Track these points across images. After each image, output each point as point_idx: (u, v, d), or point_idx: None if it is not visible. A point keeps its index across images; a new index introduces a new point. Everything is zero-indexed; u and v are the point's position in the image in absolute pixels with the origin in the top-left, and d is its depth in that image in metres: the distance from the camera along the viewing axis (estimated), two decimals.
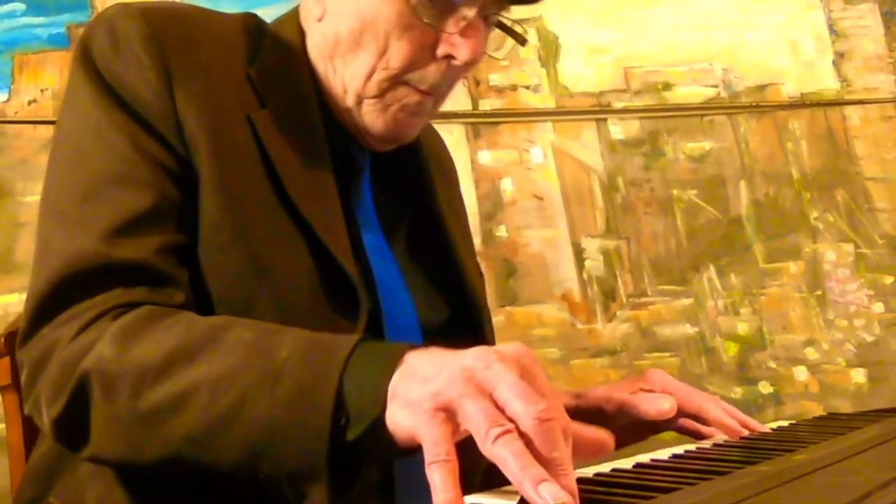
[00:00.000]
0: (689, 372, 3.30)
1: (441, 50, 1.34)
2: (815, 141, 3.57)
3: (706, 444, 1.34)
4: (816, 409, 3.31)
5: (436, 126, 1.73)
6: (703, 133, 3.49)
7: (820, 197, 3.53)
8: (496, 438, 0.93)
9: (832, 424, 1.53)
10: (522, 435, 0.94)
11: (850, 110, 3.62)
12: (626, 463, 1.18)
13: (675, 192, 3.43)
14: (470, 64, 1.34)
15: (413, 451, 1.03)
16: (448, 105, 2.54)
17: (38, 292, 1.23)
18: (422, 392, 1.00)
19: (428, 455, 0.96)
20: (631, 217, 3.38)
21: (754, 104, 3.54)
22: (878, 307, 3.49)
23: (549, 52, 3.41)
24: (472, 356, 1.02)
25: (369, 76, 1.36)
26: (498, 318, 3.16)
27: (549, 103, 3.38)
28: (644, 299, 3.35)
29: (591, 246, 3.33)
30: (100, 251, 1.22)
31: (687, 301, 3.37)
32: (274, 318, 1.23)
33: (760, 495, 0.87)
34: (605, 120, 3.42)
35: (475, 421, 0.95)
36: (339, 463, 1.06)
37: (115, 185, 1.25)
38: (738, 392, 3.33)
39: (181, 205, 1.28)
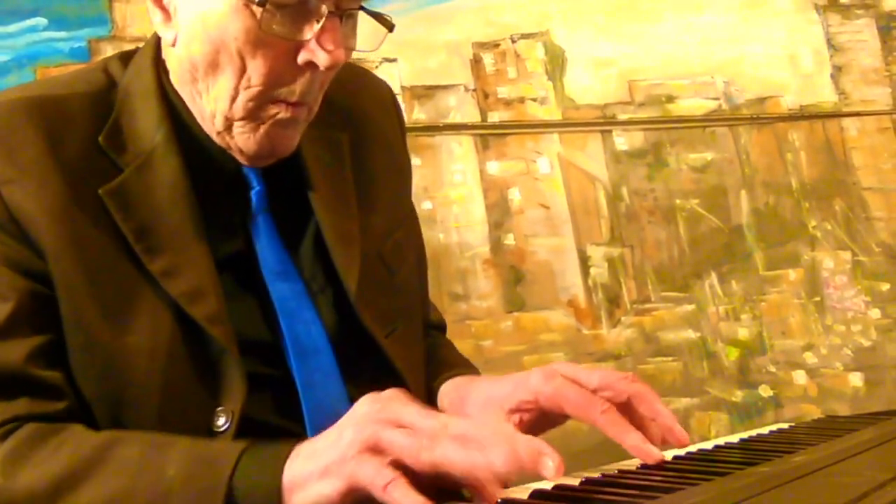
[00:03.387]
0: (692, 376, 3.29)
1: (302, 58, 1.25)
2: (813, 152, 3.57)
3: (707, 445, 1.34)
4: (815, 412, 3.31)
5: (445, 138, 1.70)
6: (705, 144, 3.48)
7: (818, 206, 3.53)
8: (432, 443, 0.97)
9: (830, 427, 1.52)
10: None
11: (847, 122, 3.61)
12: (631, 464, 1.18)
13: (677, 201, 3.42)
14: (334, 68, 1.26)
15: None
16: (457, 117, 2.53)
17: None
18: (334, 453, 1.01)
19: (376, 483, 0.96)
20: (635, 225, 3.38)
21: (755, 116, 3.54)
22: (875, 313, 3.48)
23: (556, 65, 3.40)
24: (363, 404, 1.05)
25: (234, 98, 1.27)
26: (505, 324, 3.16)
27: (556, 115, 3.38)
28: (647, 305, 3.34)
29: (597, 254, 3.32)
30: None
31: (689, 307, 3.36)
32: (147, 410, 1.22)
33: (760, 495, 0.87)
34: (610, 131, 3.42)
35: (403, 443, 0.98)
36: None
37: None
38: (738, 395, 3.33)
39: (46, 304, 1.23)
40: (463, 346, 2.38)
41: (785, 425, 1.58)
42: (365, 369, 1.37)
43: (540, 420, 1.30)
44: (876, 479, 0.88)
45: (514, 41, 3.37)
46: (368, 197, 1.49)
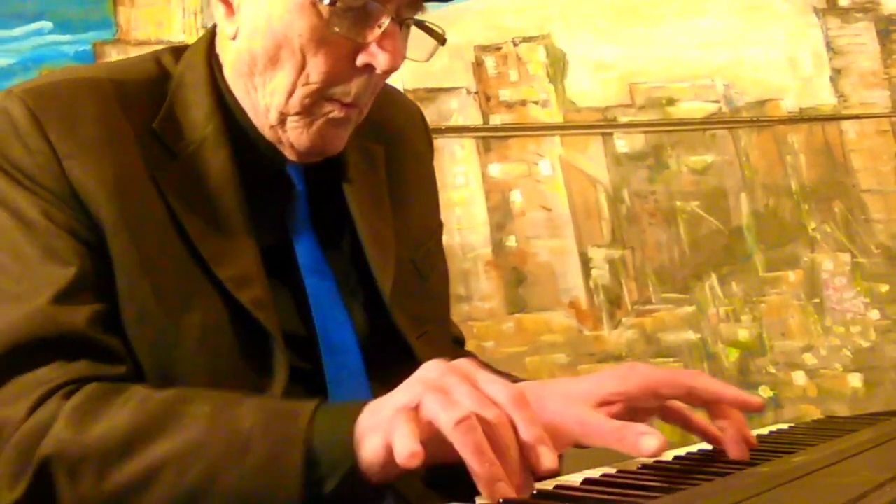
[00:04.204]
0: None
1: (360, 60, 1.28)
2: (813, 154, 3.57)
3: (707, 445, 1.34)
4: (814, 413, 3.30)
5: (447, 140, 1.71)
6: (706, 146, 3.48)
7: (818, 208, 3.53)
8: (455, 424, 0.96)
9: (830, 427, 1.52)
10: (483, 422, 0.97)
11: (846, 125, 3.61)
12: (632, 464, 1.18)
13: (678, 203, 3.42)
14: (390, 72, 1.30)
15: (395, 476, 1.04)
16: (459, 119, 2.53)
17: None
18: (385, 412, 1.03)
19: (391, 431, 0.99)
20: (636, 227, 3.38)
21: (754, 119, 3.54)
22: (874, 314, 3.48)
23: (557, 68, 3.41)
24: (425, 369, 1.06)
25: (290, 93, 1.30)
26: (507, 325, 3.16)
27: (557, 118, 3.38)
28: (648, 307, 3.34)
29: (598, 255, 3.32)
30: (33, 324, 1.19)
31: (689, 308, 3.36)
32: (197, 380, 1.23)
33: (760, 496, 0.87)
34: (611, 134, 3.42)
35: (433, 408, 0.99)
36: None
37: (43, 259, 1.23)
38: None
39: (103, 274, 1.24)
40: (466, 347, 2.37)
41: (784, 426, 1.58)
42: (394, 370, 1.38)
43: (627, 413, 1.29)
44: (875, 480, 0.88)
45: (515, 44, 3.37)
46: (402, 207, 1.52)
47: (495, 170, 3.27)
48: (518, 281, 3.23)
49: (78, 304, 1.21)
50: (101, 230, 1.25)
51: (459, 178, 3.15)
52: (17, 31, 2.89)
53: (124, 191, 1.26)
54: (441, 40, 1.38)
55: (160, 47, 1.47)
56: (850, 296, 3.49)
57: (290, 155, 1.37)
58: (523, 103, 3.35)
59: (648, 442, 1.05)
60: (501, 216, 3.25)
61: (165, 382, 1.23)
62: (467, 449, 0.96)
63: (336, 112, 1.32)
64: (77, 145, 1.26)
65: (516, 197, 3.28)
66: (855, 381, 3.41)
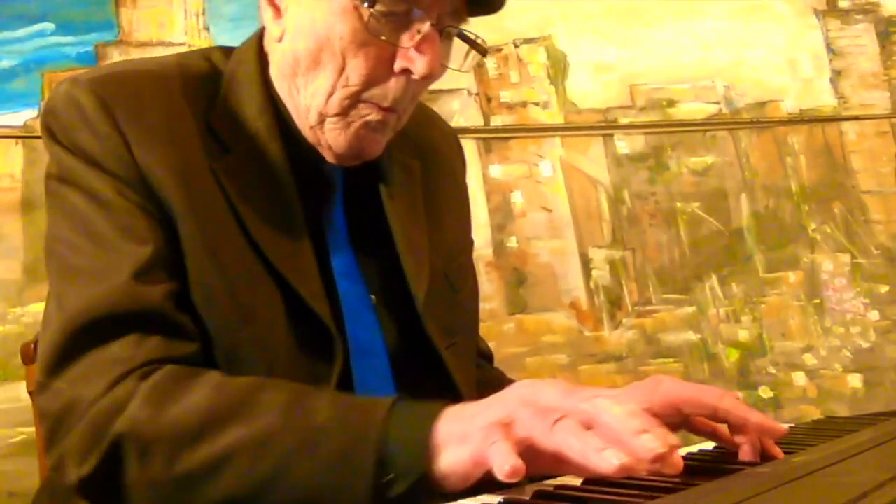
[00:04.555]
0: (692, 377, 3.29)
1: (398, 65, 1.29)
2: (813, 155, 3.57)
3: (707, 445, 1.34)
4: (814, 413, 3.31)
5: None
6: (706, 148, 3.48)
7: (818, 209, 3.53)
8: (553, 424, 0.95)
9: (830, 427, 1.52)
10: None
11: (846, 126, 3.61)
12: None
13: (678, 204, 3.42)
14: (428, 78, 1.30)
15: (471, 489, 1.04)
16: (460, 121, 2.52)
17: (52, 343, 1.21)
18: (474, 423, 1.02)
19: (486, 445, 0.98)
20: (636, 228, 3.38)
21: (755, 120, 3.54)
22: (874, 315, 3.48)
23: (558, 70, 3.41)
24: (520, 386, 1.06)
25: (330, 94, 1.31)
26: (508, 326, 3.16)
27: (558, 119, 3.38)
28: (649, 307, 3.34)
29: (598, 256, 3.33)
30: (111, 300, 1.20)
31: (690, 309, 3.37)
32: (258, 363, 1.25)
33: (761, 496, 0.87)
34: (612, 135, 3.42)
35: (529, 422, 0.98)
36: None
37: (120, 237, 1.24)
38: (738, 397, 3.32)
39: (174, 254, 1.26)
40: None
41: (785, 426, 1.58)
42: (422, 377, 1.39)
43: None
44: (875, 480, 0.87)
45: (516, 46, 3.38)
46: (436, 221, 1.53)
47: (496, 171, 3.27)
48: (519, 282, 3.23)
49: (154, 282, 1.23)
50: (169, 213, 1.26)
51: None
52: (20, 33, 2.89)
53: (189, 179, 1.28)
54: (483, 52, 1.39)
55: (162, 48, 1.48)
56: (849, 296, 3.49)
57: (328, 157, 1.37)
58: (524, 105, 3.36)
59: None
60: (502, 217, 3.25)
61: (231, 365, 1.25)
62: (568, 441, 0.96)
63: (373, 115, 1.33)
64: (144, 132, 1.28)
65: (517, 198, 3.28)
66: (855, 381, 3.42)
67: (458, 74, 1.39)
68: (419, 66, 1.28)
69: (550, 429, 0.97)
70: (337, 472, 1.06)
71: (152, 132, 1.29)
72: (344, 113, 1.32)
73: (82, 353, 1.19)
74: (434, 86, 1.38)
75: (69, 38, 2.92)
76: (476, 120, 3.27)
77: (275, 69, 1.39)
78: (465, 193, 1.70)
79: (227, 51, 1.45)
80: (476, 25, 1.36)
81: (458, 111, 3.23)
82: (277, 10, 1.35)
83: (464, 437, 1.02)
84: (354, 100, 1.31)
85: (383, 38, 1.28)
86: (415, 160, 1.53)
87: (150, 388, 1.15)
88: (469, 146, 3.22)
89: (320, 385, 1.26)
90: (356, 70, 1.29)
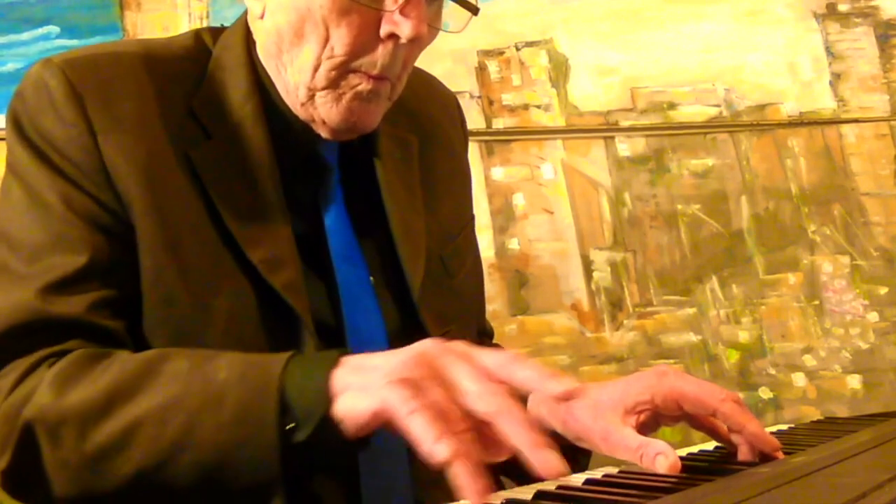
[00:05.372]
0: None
1: (384, 30, 1.25)
2: (812, 158, 3.56)
3: (708, 446, 1.34)
4: (814, 414, 3.30)
5: None
6: (706, 150, 3.48)
7: (817, 211, 3.52)
8: (446, 437, 0.93)
9: (829, 428, 1.52)
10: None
11: (846, 128, 3.61)
12: (633, 465, 1.18)
13: (679, 206, 3.42)
14: (416, 41, 1.26)
15: (368, 438, 1.04)
16: None
17: None
18: (377, 375, 1.01)
19: (401, 409, 0.96)
20: (637, 230, 3.38)
21: (755, 123, 3.54)
22: (873, 316, 3.48)
23: (560, 73, 3.41)
24: (425, 344, 1.04)
25: (316, 68, 1.28)
26: (510, 327, 3.16)
27: (560, 122, 3.38)
28: (650, 309, 3.34)
29: (599, 258, 3.32)
30: (34, 308, 1.18)
31: (690, 310, 3.36)
32: None
33: (761, 496, 0.87)
34: (613, 138, 3.42)
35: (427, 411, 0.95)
36: (294, 468, 1.06)
37: (53, 246, 1.22)
38: (739, 398, 3.32)
39: (118, 261, 1.23)
40: None
41: (785, 426, 1.58)
42: None
43: (653, 421, 1.30)
44: (874, 480, 0.87)
45: (518, 49, 3.38)
46: (433, 200, 1.50)
47: (498, 173, 3.27)
48: (521, 283, 3.23)
49: (80, 292, 1.20)
50: (127, 210, 1.24)
51: None
52: (25, 36, 2.89)
53: (156, 171, 1.25)
54: (474, 10, 1.35)
55: None
56: (849, 298, 3.49)
57: (323, 133, 1.35)
58: (526, 107, 3.35)
59: (661, 462, 1.11)
60: (504, 219, 3.25)
61: None
62: (416, 427, 0.95)
63: (364, 85, 1.30)
64: (112, 121, 1.25)
65: (519, 200, 3.28)
66: (854, 382, 3.41)
67: (460, 78, 1.38)
68: (405, 28, 1.24)
69: (409, 413, 0.95)
70: (242, 425, 1.06)
71: (121, 121, 1.26)
72: (333, 85, 1.29)
73: (4, 360, 1.19)
74: None
75: (74, 42, 2.92)
76: (478, 123, 3.27)
77: (261, 50, 1.36)
78: (465, 168, 1.67)
79: (217, 31, 1.43)
80: (475, 28, 1.35)
81: None
82: None
83: (364, 388, 1.01)
84: (342, 70, 1.28)
85: (365, 3, 1.24)
86: (412, 135, 1.50)
87: (55, 373, 1.14)
88: (471, 148, 3.21)
89: None
90: (340, 39, 1.26)
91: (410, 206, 1.46)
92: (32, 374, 1.16)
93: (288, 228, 1.31)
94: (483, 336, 1.70)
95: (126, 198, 1.24)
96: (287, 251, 1.30)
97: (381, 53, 1.28)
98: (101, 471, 1.11)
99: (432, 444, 0.92)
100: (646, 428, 1.29)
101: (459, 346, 1.04)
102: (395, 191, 1.44)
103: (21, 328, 1.19)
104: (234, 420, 1.06)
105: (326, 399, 1.03)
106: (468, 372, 0.99)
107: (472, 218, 1.66)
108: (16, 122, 1.29)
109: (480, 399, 0.96)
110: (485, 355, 1.01)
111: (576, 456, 1.32)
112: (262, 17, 1.32)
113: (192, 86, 1.34)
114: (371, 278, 1.39)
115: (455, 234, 1.55)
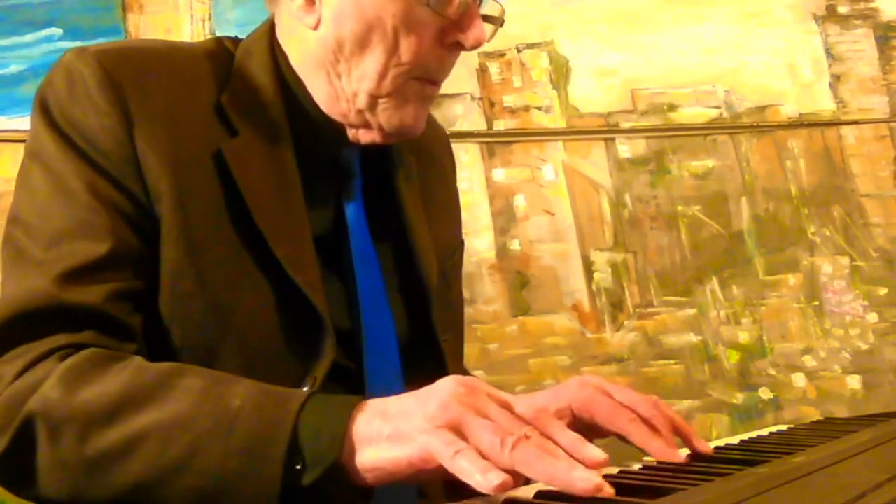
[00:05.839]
0: (693, 378, 3.29)
1: (450, 38, 1.30)
2: (812, 159, 3.57)
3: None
4: (814, 414, 3.30)
5: (452, 145, 1.71)
6: (707, 152, 3.48)
7: (817, 212, 3.53)
8: (514, 446, 0.93)
9: (829, 428, 1.52)
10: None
11: (845, 130, 3.61)
12: (633, 465, 1.18)
13: (679, 207, 3.42)
14: (477, 47, 1.32)
15: (369, 490, 1.03)
16: (464, 125, 2.51)
17: None
18: (414, 420, 1.00)
19: (447, 452, 0.95)
20: (638, 231, 3.38)
21: (755, 124, 3.54)
22: (873, 317, 3.48)
23: (560, 74, 3.41)
24: (448, 383, 1.03)
25: (383, 75, 1.31)
26: (511, 328, 3.16)
27: (560, 123, 3.38)
28: (650, 309, 3.34)
29: (600, 259, 3.33)
30: (50, 294, 1.17)
31: (691, 311, 3.37)
32: (238, 363, 1.21)
33: (761, 496, 0.87)
34: (614, 139, 3.42)
35: (485, 436, 0.95)
36: None
37: (74, 233, 1.20)
38: (739, 398, 3.33)
39: (140, 252, 1.23)
40: (469, 349, 2.38)
41: (784, 427, 1.58)
42: (423, 370, 1.37)
43: (575, 429, 1.31)
44: (873, 480, 0.87)
45: (519, 51, 3.38)
46: (432, 216, 1.52)
47: (499, 174, 3.27)
48: (522, 284, 3.23)
49: (99, 281, 1.19)
50: (154, 203, 1.23)
51: (464, 182, 3.16)
52: (28, 38, 2.89)
53: (185, 165, 1.25)
54: (501, 23, 1.39)
55: None
56: (848, 299, 3.49)
57: (372, 138, 1.37)
58: (527, 109, 3.36)
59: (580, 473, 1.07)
60: (505, 220, 3.25)
61: (206, 359, 1.22)
62: (534, 463, 0.94)
63: (425, 89, 1.35)
64: (146, 114, 1.25)
65: (520, 201, 3.28)
66: (854, 382, 3.41)
67: (461, 80, 1.40)
68: (470, 37, 1.30)
69: (511, 448, 0.95)
70: (248, 457, 1.04)
71: (155, 114, 1.26)
72: (397, 92, 1.32)
73: (15, 343, 1.17)
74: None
75: (77, 44, 2.91)
76: (479, 124, 3.27)
77: (301, 59, 1.37)
78: (455, 194, 1.70)
79: (236, 41, 1.44)
80: None
81: (462, 115, 3.24)
82: (310, 0, 1.34)
83: (399, 436, 1.00)
84: (406, 77, 1.32)
85: (437, 11, 1.28)
86: (411, 156, 1.52)
87: (67, 369, 1.12)
88: (472, 150, 3.22)
89: (307, 377, 1.25)
90: (410, 48, 1.29)
91: (422, 217, 1.48)
92: (41, 364, 1.15)
93: (308, 230, 1.31)
94: None
95: (154, 190, 1.23)
96: (307, 252, 1.30)
97: (444, 61, 1.34)
98: (97, 477, 1.09)
99: (482, 475, 0.92)
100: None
101: (482, 384, 1.04)
102: (411, 201, 1.47)
103: (33, 314, 1.17)
104: (242, 450, 1.04)
105: (340, 445, 1.02)
106: (499, 411, 0.99)
107: (463, 243, 1.68)
108: (44, 109, 1.28)
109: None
110: (494, 410, 1.02)
111: None
112: (315, 27, 1.34)
113: (219, 84, 1.34)
114: (384, 283, 1.40)
115: (452, 252, 1.58)
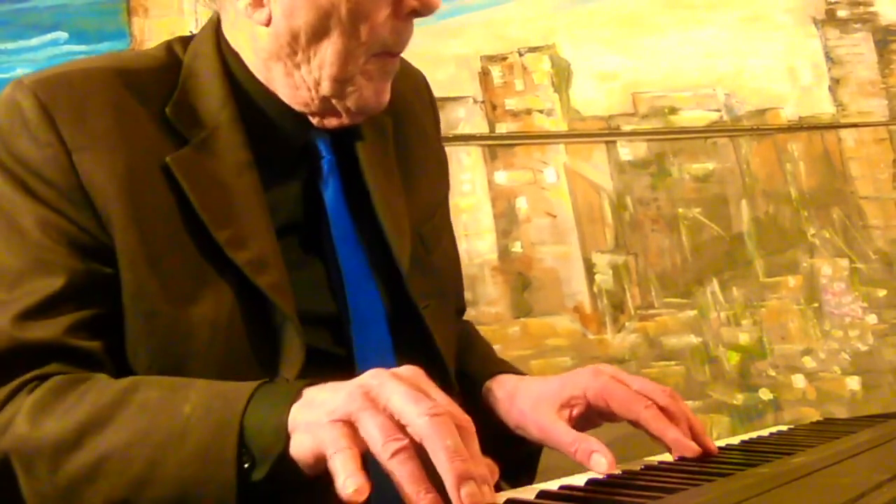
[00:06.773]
0: (694, 379, 3.29)
1: (405, 8, 1.28)
2: (812, 162, 3.56)
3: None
4: (814, 415, 3.30)
5: (454, 148, 1.70)
6: (707, 154, 3.48)
7: (817, 215, 3.52)
8: (392, 455, 0.91)
9: (829, 429, 1.52)
10: (416, 444, 0.93)
11: (845, 133, 3.61)
12: (636, 465, 1.18)
13: (680, 210, 3.42)
14: (433, 10, 1.30)
15: (320, 476, 1.00)
16: (466, 128, 2.52)
17: None
18: (320, 413, 0.99)
19: (329, 449, 0.94)
20: (639, 234, 3.38)
21: (755, 127, 3.54)
22: (872, 319, 3.48)
23: (562, 78, 3.41)
24: (367, 376, 1.01)
25: (345, 57, 1.28)
26: (513, 329, 3.16)
27: (562, 126, 3.38)
28: (651, 311, 3.34)
29: (601, 261, 3.33)
30: (10, 335, 1.17)
31: (691, 313, 3.36)
32: (209, 375, 1.19)
33: (761, 496, 0.87)
34: (615, 142, 3.42)
35: (372, 435, 0.94)
36: None
37: (30, 272, 1.20)
38: (739, 399, 3.32)
39: (100, 278, 1.22)
40: None
41: (784, 427, 1.58)
42: (408, 342, 1.37)
43: (587, 415, 1.32)
44: (873, 480, 0.88)
45: (521, 54, 3.38)
46: (409, 179, 1.50)
47: (501, 177, 3.27)
48: (523, 286, 3.23)
49: (56, 315, 1.19)
50: (107, 227, 1.22)
51: (466, 185, 3.16)
52: (34, 42, 2.90)
53: (135, 183, 1.23)
54: None
55: None
56: (848, 300, 3.48)
57: (340, 122, 1.35)
58: (529, 112, 3.36)
59: (598, 460, 1.15)
60: (507, 222, 3.25)
61: (180, 375, 1.21)
62: (403, 480, 0.93)
63: (388, 65, 1.33)
64: (88, 137, 1.24)
65: (522, 204, 3.28)
66: (853, 383, 3.41)
67: (464, 83, 1.38)
68: (427, 1, 1.28)
69: (389, 455, 0.91)
70: (202, 462, 1.04)
71: (96, 137, 1.24)
72: (363, 71, 1.31)
73: None
74: (440, 93, 1.37)
75: (82, 47, 2.92)
76: (481, 127, 3.27)
77: (257, 55, 1.34)
78: (436, 146, 1.66)
79: (187, 40, 1.41)
80: (479, 34, 1.36)
81: (464, 118, 3.24)
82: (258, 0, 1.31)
83: (308, 426, 1.00)
84: (368, 55, 1.30)
85: None
86: (387, 116, 1.48)
87: (33, 402, 1.14)
88: (474, 153, 3.22)
89: (282, 373, 1.24)
90: (367, 27, 1.27)
91: (391, 186, 1.45)
92: (12, 402, 1.16)
93: (269, 229, 1.29)
94: (459, 314, 1.70)
95: (105, 214, 1.22)
96: (270, 252, 1.28)
97: (402, 32, 1.31)
98: (73, 502, 1.10)
99: (343, 479, 0.91)
100: (586, 422, 1.33)
101: (405, 370, 1.02)
102: (376, 173, 1.43)
103: (2, 356, 1.18)
104: (195, 457, 1.05)
105: (283, 437, 1.02)
106: (403, 394, 0.97)
107: (446, 197, 1.66)
108: None
109: (412, 422, 0.95)
110: (399, 402, 0.97)
111: (514, 444, 1.39)
112: (267, 23, 1.31)
113: (166, 95, 1.32)
114: (368, 260, 1.39)
115: (432, 212, 1.55)
